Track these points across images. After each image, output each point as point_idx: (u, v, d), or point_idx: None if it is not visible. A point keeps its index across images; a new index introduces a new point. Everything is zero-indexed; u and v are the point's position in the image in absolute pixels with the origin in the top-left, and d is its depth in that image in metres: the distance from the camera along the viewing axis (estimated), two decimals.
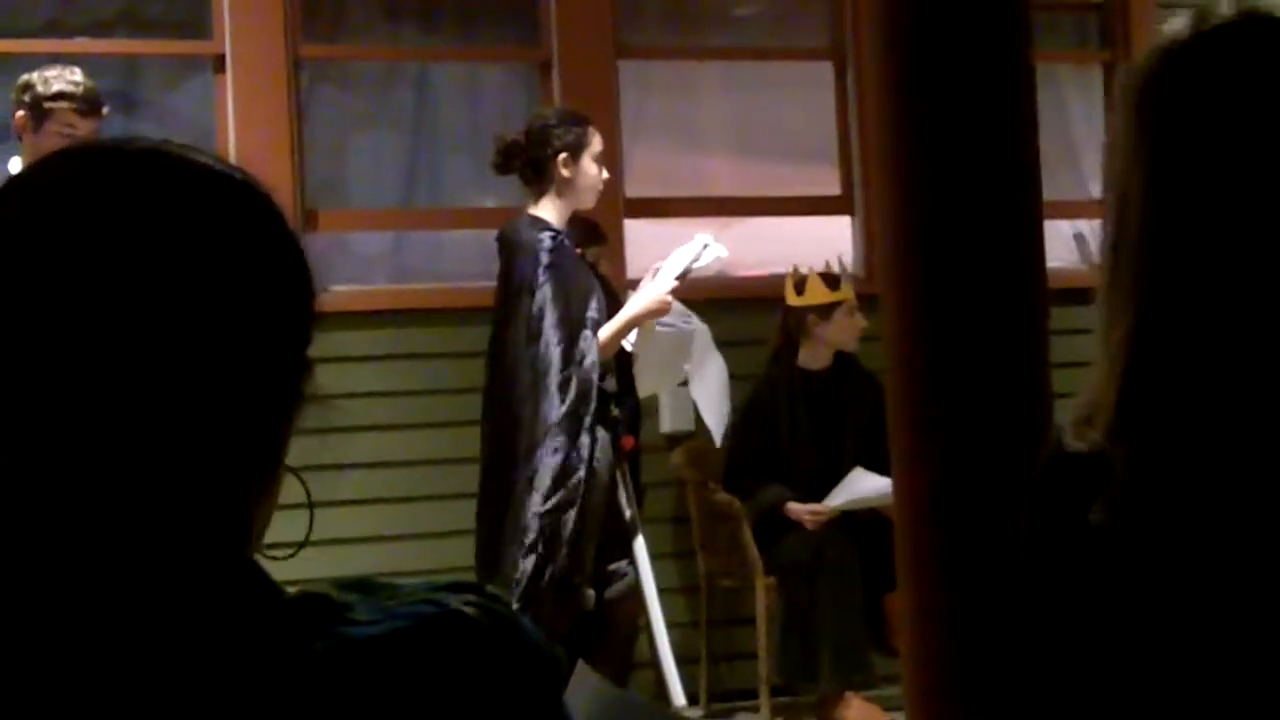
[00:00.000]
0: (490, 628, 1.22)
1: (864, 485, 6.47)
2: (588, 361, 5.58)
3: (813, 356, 6.79)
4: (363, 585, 1.24)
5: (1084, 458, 1.53)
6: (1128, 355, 1.51)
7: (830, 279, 6.75)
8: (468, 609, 1.22)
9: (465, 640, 1.21)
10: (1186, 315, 1.49)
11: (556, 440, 5.50)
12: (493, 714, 1.20)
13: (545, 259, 5.61)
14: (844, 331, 6.74)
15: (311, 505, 1.37)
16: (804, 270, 6.75)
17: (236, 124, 6.70)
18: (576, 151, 5.74)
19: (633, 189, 7.16)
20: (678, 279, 5.79)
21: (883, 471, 6.07)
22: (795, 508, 6.57)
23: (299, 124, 6.82)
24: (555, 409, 5.51)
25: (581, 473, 5.51)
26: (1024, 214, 3.30)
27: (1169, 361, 1.50)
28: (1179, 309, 1.49)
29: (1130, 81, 1.54)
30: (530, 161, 5.75)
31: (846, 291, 6.73)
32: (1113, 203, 1.53)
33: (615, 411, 5.72)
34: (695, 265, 5.82)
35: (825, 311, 6.73)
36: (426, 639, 1.20)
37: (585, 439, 5.53)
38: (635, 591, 5.80)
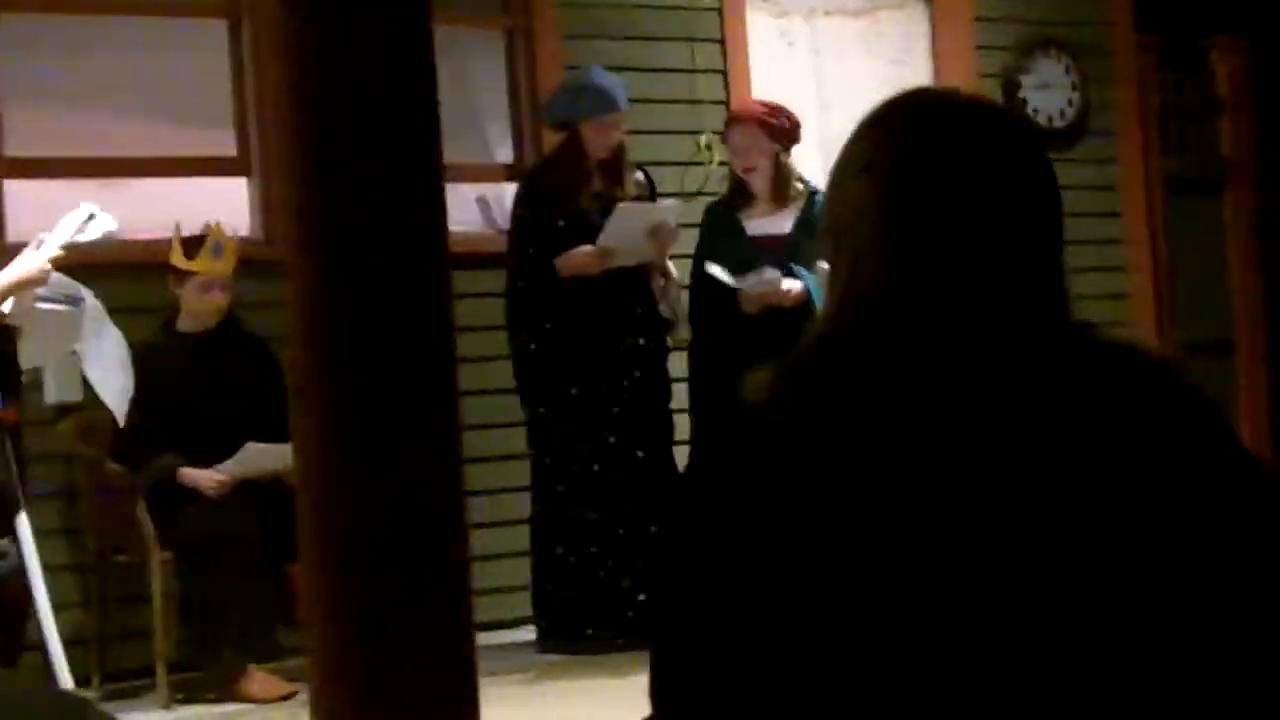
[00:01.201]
0: None
1: (260, 453, 6.36)
2: None
3: (192, 320, 6.63)
4: None
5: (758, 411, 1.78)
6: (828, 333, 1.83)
7: (190, 244, 6.57)
8: None
9: None
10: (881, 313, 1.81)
11: None
12: None
13: None
14: (193, 302, 6.59)
15: None
16: (184, 232, 6.59)
17: None
18: None
19: (13, 148, 6.84)
20: (62, 249, 5.56)
21: (279, 436, 5.99)
22: (190, 474, 6.41)
23: None
24: None
25: None
26: (425, 178, 3.27)
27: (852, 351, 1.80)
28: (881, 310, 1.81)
29: (867, 149, 1.85)
30: None
31: (204, 264, 6.55)
32: (845, 231, 1.84)
33: None
34: (81, 237, 5.60)
35: (181, 279, 6.59)
36: None
37: None
38: (19, 571, 5.56)
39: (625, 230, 6.78)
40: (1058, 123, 9.07)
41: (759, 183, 7.02)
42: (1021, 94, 8.96)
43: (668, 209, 6.93)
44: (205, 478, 6.41)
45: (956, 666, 1.68)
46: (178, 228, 6.59)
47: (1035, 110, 8.99)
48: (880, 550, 1.70)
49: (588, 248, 6.79)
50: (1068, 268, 1.86)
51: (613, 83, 6.97)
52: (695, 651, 1.76)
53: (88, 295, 5.86)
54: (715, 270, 6.86)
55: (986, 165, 1.81)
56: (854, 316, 1.80)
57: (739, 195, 7.11)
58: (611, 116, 6.91)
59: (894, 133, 1.84)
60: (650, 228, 6.84)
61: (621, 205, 6.82)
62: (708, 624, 1.76)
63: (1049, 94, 9.07)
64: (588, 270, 6.79)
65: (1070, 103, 9.12)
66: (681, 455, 6.90)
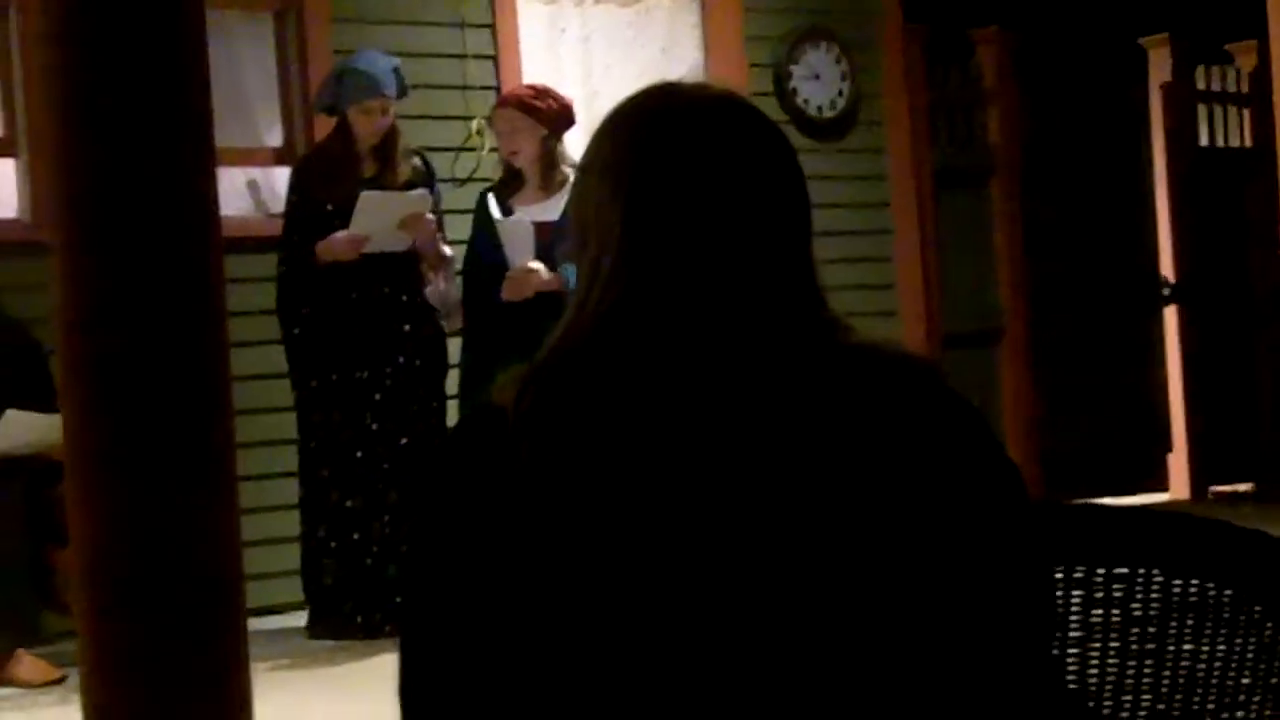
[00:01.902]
0: None
1: (21, 422, 6.28)
2: None
3: None
4: None
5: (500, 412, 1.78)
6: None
7: None
8: None
9: None
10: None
11: None
12: None
13: None
14: None
15: None
16: None
17: None
18: None
19: None
20: None
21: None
22: None
23: None
24: None
25: None
26: (196, 161, 3.28)
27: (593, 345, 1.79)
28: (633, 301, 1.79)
29: (604, 147, 1.85)
30: None
31: None
32: (586, 231, 1.83)
33: None
34: None
35: None
36: None
37: None
38: None
39: (374, 218, 6.76)
40: (828, 113, 9.15)
41: (525, 168, 7.00)
42: (791, 84, 9.03)
43: (414, 198, 6.87)
44: None
45: (675, 666, 1.69)
46: None
47: (805, 101, 9.06)
48: (605, 555, 1.71)
49: (341, 234, 6.77)
50: (817, 262, 1.84)
51: (380, 67, 6.94)
52: (441, 658, 1.78)
53: None
54: (499, 222, 6.84)
55: (719, 161, 1.80)
56: (593, 321, 1.79)
57: (510, 181, 7.10)
58: (376, 102, 6.88)
59: (627, 132, 1.83)
60: (400, 216, 6.82)
61: (365, 194, 6.78)
62: (451, 629, 1.77)
63: (819, 84, 9.14)
64: (342, 257, 6.77)
65: (841, 93, 9.20)
66: None
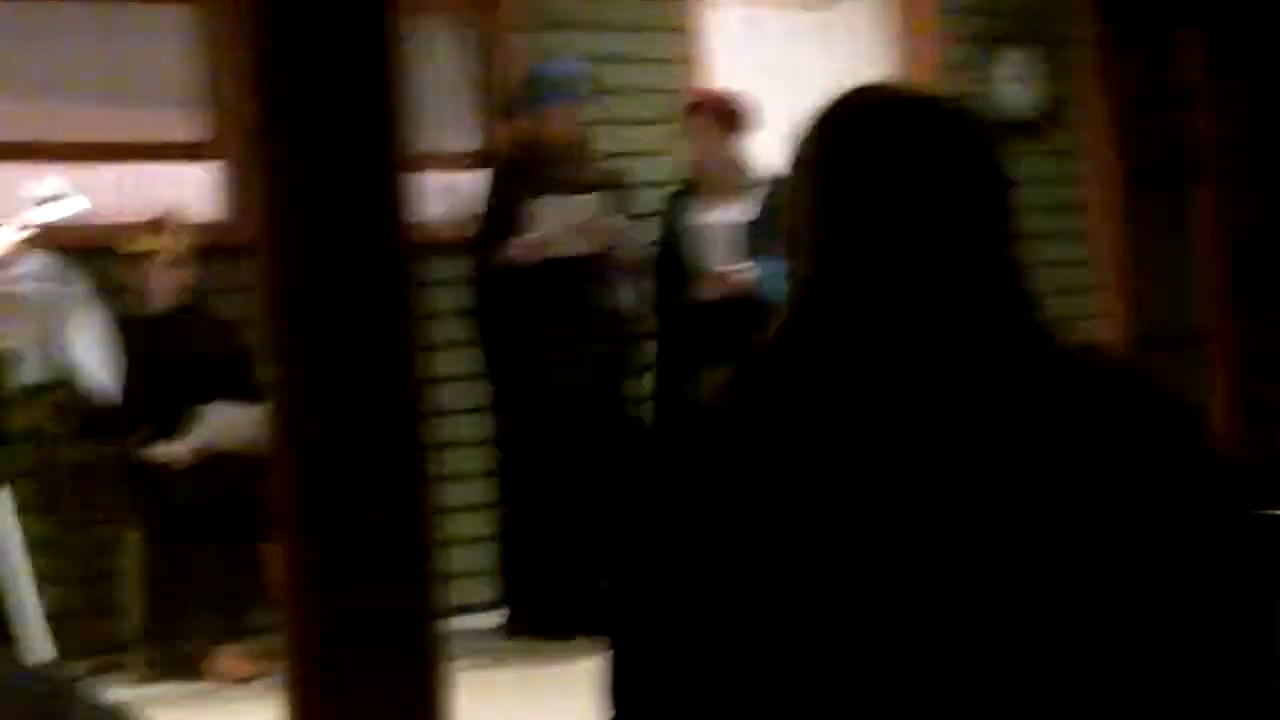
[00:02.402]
0: None
1: (226, 416, 6.41)
2: None
3: (153, 300, 6.69)
4: None
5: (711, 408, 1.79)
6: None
7: (147, 228, 6.64)
8: None
9: None
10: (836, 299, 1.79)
11: None
12: None
13: None
14: (151, 284, 6.65)
15: None
16: (148, 216, 6.66)
17: None
18: None
19: None
20: (28, 229, 5.61)
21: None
22: (159, 447, 6.46)
23: None
24: None
25: None
26: (394, 164, 3.32)
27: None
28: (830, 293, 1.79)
29: (807, 147, 1.85)
30: None
31: (158, 245, 6.61)
32: (795, 230, 1.84)
33: None
34: (46, 215, 5.66)
35: (140, 260, 6.65)
36: None
37: None
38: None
39: (554, 223, 6.81)
40: (1026, 115, 9.05)
41: (716, 171, 7.03)
42: (989, 86, 8.95)
43: (587, 202, 6.91)
44: (171, 450, 6.46)
45: (903, 668, 1.67)
46: (137, 212, 6.64)
47: (1003, 103, 8.98)
48: (817, 559, 1.69)
49: (523, 239, 6.84)
50: (1022, 264, 1.81)
51: (571, 72, 7.00)
52: (648, 658, 1.76)
53: (73, 277, 5.93)
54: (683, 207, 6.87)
55: (916, 160, 1.78)
56: (801, 321, 1.78)
57: (698, 184, 7.13)
58: (568, 106, 6.94)
59: (830, 132, 1.83)
60: (580, 221, 6.87)
61: (543, 200, 6.83)
62: (657, 629, 1.76)
63: (1017, 86, 9.04)
64: (525, 261, 6.84)
65: (1039, 95, 9.12)
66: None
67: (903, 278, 1.76)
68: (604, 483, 6.82)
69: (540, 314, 6.89)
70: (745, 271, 6.78)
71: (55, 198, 5.68)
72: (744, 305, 6.57)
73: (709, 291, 6.80)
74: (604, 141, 7.23)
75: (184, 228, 6.65)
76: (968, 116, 1.85)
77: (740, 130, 7.04)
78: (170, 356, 6.63)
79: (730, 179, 7.02)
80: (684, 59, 8.15)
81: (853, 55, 8.70)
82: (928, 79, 8.48)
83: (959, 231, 1.78)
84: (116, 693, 6.19)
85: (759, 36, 8.52)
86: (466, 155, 7.85)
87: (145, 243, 6.61)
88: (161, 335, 6.66)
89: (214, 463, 6.45)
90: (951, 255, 1.77)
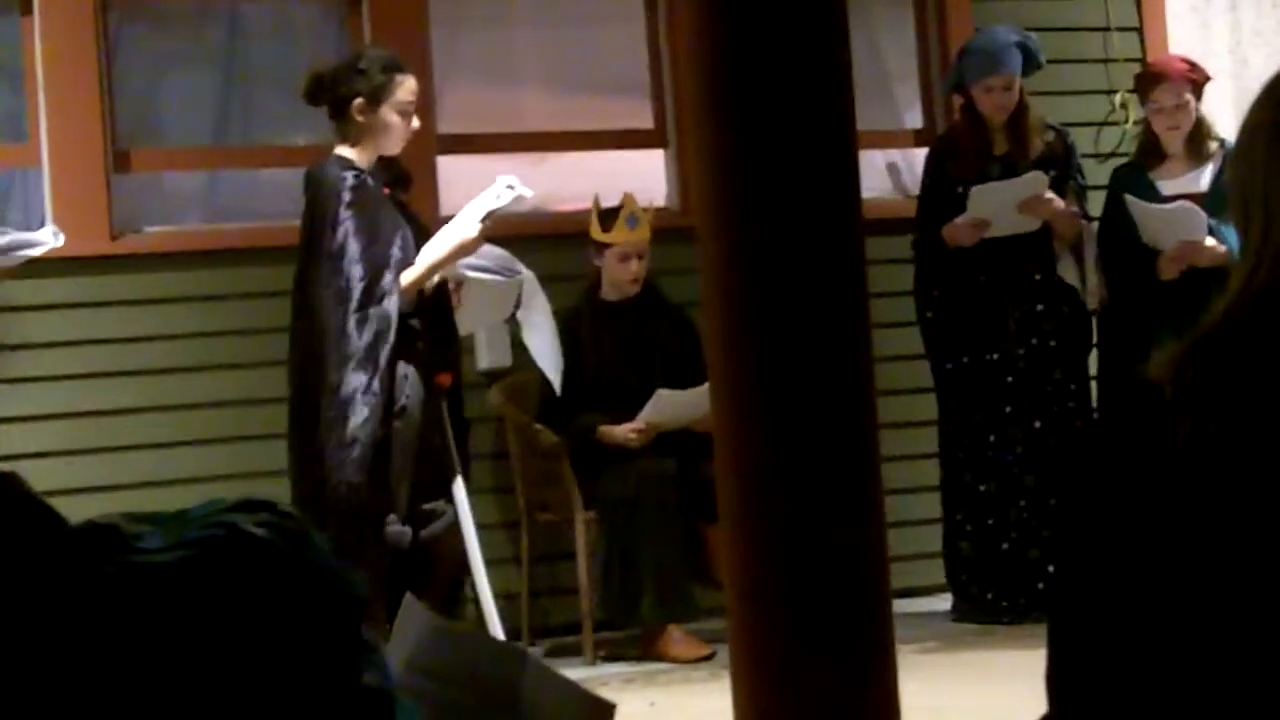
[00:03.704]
0: (283, 548, 1.20)
1: (673, 399, 6.50)
2: (388, 301, 5.57)
3: (613, 289, 6.80)
4: (155, 517, 1.23)
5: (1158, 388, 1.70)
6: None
7: (606, 216, 6.73)
8: (259, 530, 1.21)
9: (254, 561, 1.19)
10: None
11: (357, 377, 5.49)
12: (284, 633, 1.19)
13: (347, 197, 5.61)
14: (612, 272, 6.74)
15: None
16: (603, 204, 6.76)
17: (44, 65, 6.56)
18: (374, 99, 5.71)
19: (445, 125, 7.10)
20: (482, 220, 5.77)
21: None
22: (608, 429, 6.59)
23: (108, 64, 6.69)
24: (353, 346, 5.51)
25: (381, 409, 5.50)
26: (839, 144, 3.31)
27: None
28: None
29: (1257, 113, 1.75)
30: (332, 101, 5.74)
31: (620, 234, 6.70)
32: (1246, 200, 1.74)
33: (422, 349, 5.71)
34: (499, 207, 5.81)
35: (600, 250, 6.75)
36: (215, 562, 1.18)
37: (386, 376, 5.51)
38: (455, 529, 5.79)
39: (993, 205, 6.72)
40: None
41: (1177, 141, 6.86)
42: None
43: (1029, 180, 6.76)
44: (622, 431, 6.58)
45: None
46: (596, 200, 6.76)
47: None
48: (1273, 546, 1.60)
49: (962, 219, 6.76)
50: None
51: (1000, 42, 6.86)
52: (1092, 649, 1.69)
53: (524, 269, 6.09)
54: (1133, 202, 6.73)
55: None
56: (1257, 294, 1.69)
57: (1149, 154, 6.95)
58: (998, 78, 6.81)
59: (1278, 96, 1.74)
60: (1018, 200, 6.75)
61: (976, 189, 6.73)
62: (1102, 618, 1.69)
63: None
64: (963, 242, 6.76)
65: None
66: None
67: None
68: (1051, 465, 6.72)
69: (981, 292, 6.82)
70: (1216, 246, 6.61)
71: (508, 187, 5.83)
72: (1205, 279, 6.41)
73: (1172, 267, 6.64)
74: (1050, 111, 7.10)
75: (647, 215, 6.75)
76: None
77: (1200, 98, 6.87)
78: (625, 342, 6.75)
79: (1190, 149, 6.84)
80: (1136, 26, 7.95)
81: None
82: None
83: None
84: (566, 672, 6.34)
85: (1214, 2, 8.26)
86: (912, 132, 7.80)
87: (610, 233, 6.72)
88: (618, 322, 6.78)
89: (660, 443, 6.55)
90: None
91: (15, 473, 1.26)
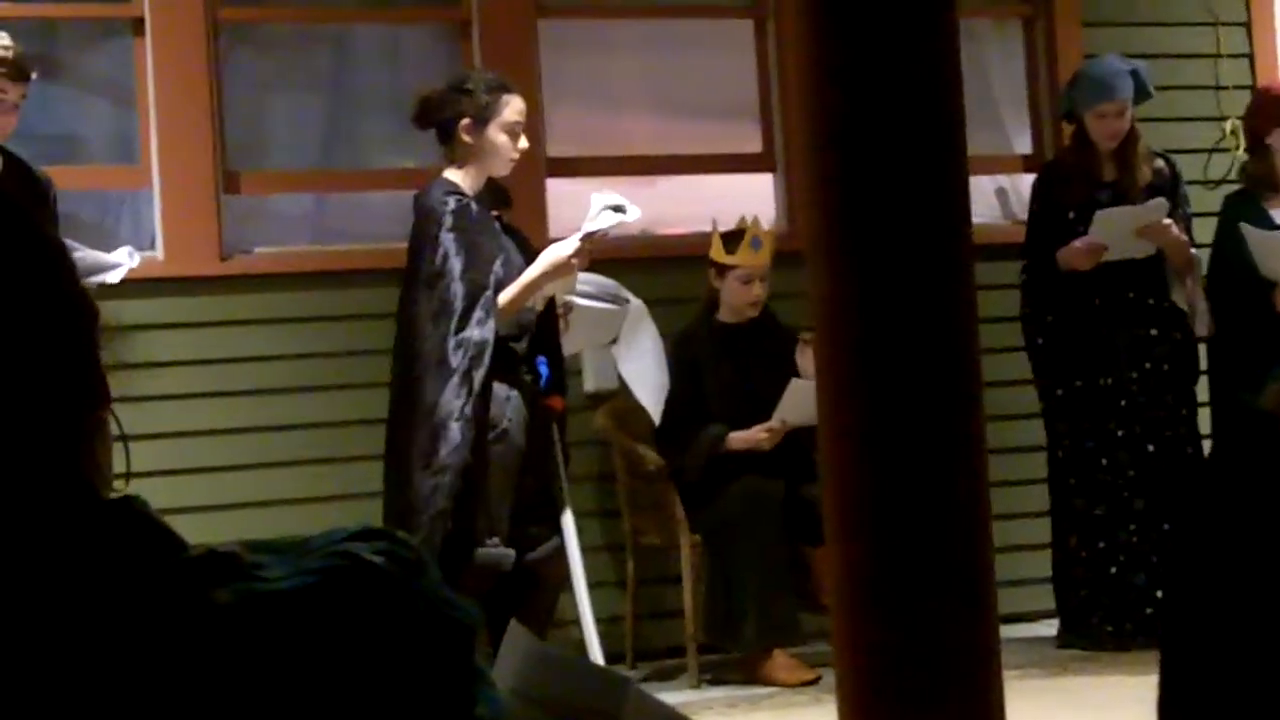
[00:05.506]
0: (400, 578, 1.22)
1: (808, 391, 6.48)
2: (486, 323, 5.58)
3: (731, 312, 6.80)
4: (273, 546, 1.24)
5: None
6: None
7: (729, 239, 6.73)
8: (378, 559, 1.22)
9: (374, 591, 1.20)
10: None
11: (455, 399, 5.50)
12: (401, 664, 1.20)
13: (448, 221, 5.63)
14: (733, 295, 6.74)
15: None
16: (721, 227, 6.76)
17: (156, 87, 6.64)
18: (481, 120, 5.73)
19: (554, 149, 7.13)
20: (582, 240, 5.77)
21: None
22: (739, 436, 6.57)
23: (219, 86, 6.76)
24: (451, 368, 5.52)
25: (473, 433, 5.50)
26: (948, 169, 3.29)
27: None
28: None
29: None
30: (439, 123, 5.77)
31: (743, 257, 6.69)
32: None
33: (525, 374, 5.72)
34: (600, 228, 5.81)
35: (721, 271, 6.75)
36: (335, 591, 1.20)
37: (480, 399, 5.53)
38: (560, 552, 5.80)
39: (1112, 231, 6.70)
40: None
41: None
42: None
43: (1151, 208, 6.73)
44: (754, 433, 6.57)
45: None
46: (715, 224, 6.77)
47: None
48: None
49: (1079, 242, 6.73)
50: None
51: (1113, 69, 6.85)
52: (1207, 682, 1.66)
53: (632, 298, 6.10)
54: (1250, 231, 6.67)
55: None
56: None
57: (1261, 183, 6.90)
58: (1110, 105, 6.79)
59: None
60: (1138, 226, 6.72)
61: (1100, 213, 6.71)
62: (1218, 652, 1.65)
63: None
64: (1079, 266, 6.74)
65: None
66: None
67: None
68: (1161, 490, 6.67)
69: (1093, 317, 6.79)
70: None
71: (612, 208, 5.83)
72: None
73: None
74: (1159, 139, 7.06)
75: (766, 237, 6.74)
76: None
77: None
78: (742, 365, 6.75)
79: None
80: (1247, 53, 7.89)
81: None
82: None
83: None
84: (670, 696, 6.34)
85: None
86: (1021, 158, 7.77)
87: (735, 255, 6.72)
88: (735, 345, 6.77)
89: (770, 467, 6.53)
90: None
91: (138, 495, 1.27)
